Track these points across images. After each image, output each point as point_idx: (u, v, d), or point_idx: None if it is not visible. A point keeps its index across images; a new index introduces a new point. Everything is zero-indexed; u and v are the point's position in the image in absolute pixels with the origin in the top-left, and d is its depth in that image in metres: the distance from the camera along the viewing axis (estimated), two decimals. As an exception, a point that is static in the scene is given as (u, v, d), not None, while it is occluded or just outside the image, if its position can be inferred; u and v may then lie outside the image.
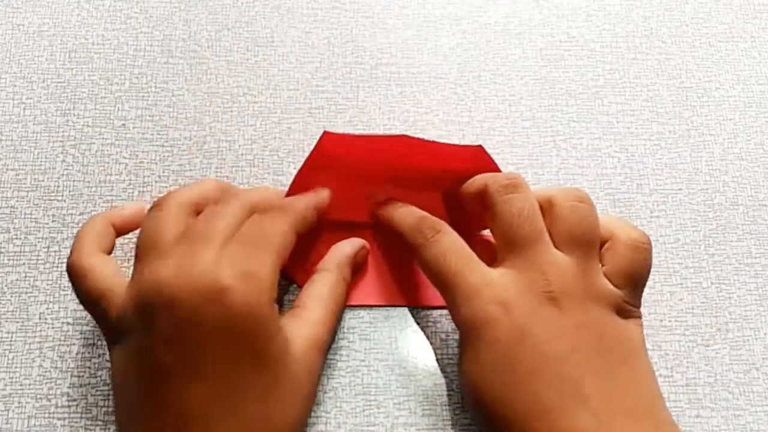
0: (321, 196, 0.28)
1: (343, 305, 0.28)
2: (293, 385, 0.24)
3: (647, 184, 0.33)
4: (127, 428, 0.23)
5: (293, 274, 0.29)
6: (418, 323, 0.29)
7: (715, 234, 0.32)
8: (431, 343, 0.29)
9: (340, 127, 0.33)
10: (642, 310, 0.30)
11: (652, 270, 0.31)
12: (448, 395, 0.28)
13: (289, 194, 0.28)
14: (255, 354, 0.23)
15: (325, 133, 0.27)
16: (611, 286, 0.25)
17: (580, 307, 0.24)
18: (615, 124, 0.34)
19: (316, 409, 0.28)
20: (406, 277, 0.30)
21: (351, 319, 0.29)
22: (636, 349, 0.24)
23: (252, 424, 0.22)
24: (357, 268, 0.29)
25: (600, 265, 0.25)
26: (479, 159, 0.28)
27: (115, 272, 0.25)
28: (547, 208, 0.26)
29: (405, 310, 0.30)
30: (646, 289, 0.31)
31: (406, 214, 0.28)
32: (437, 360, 0.29)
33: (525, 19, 0.37)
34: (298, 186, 0.28)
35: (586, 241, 0.25)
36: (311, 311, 0.26)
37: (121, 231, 0.28)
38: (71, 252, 0.26)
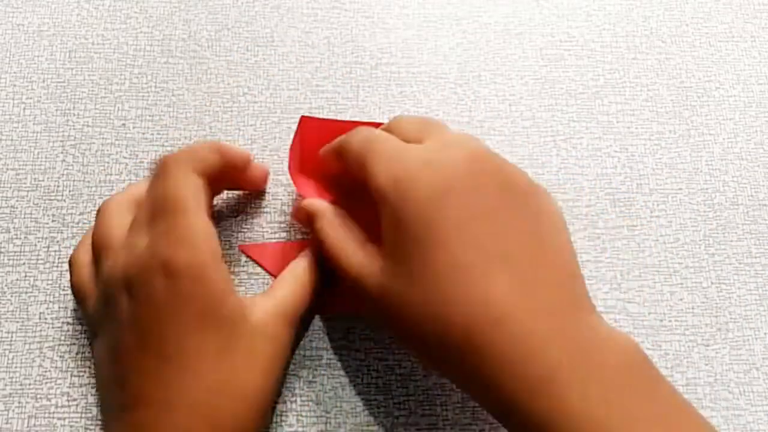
0: (227, 146, 0.27)
1: (316, 286, 0.27)
2: (250, 352, 0.24)
3: (647, 183, 0.33)
4: (104, 415, 0.25)
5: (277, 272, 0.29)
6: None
7: (715, 234, 0.32)
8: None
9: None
10: (642, 309, 0.30)
11: (652, 270, 0.31)
12: (448, 395, 0.28)
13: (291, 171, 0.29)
14: (204, 317, 0.23)
15: (302, 118, 0.28)
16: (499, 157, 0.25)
17: (501, 176, 0.23)
18: (615, 124, 0.34)
19: (316, 408, 0.28)
20: None
21: (351, 318, 0.29)
22: (558, 221, 0.24)
23: (208, 386, 0.23)
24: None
25: None
26: None
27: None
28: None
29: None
30: (645, 289, 0.31)
31: (354, 133, 0.27)
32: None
33: (525, 18, 0.37)
34: (297, 169, 0.29)
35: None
36: (277, 288, 0.26)
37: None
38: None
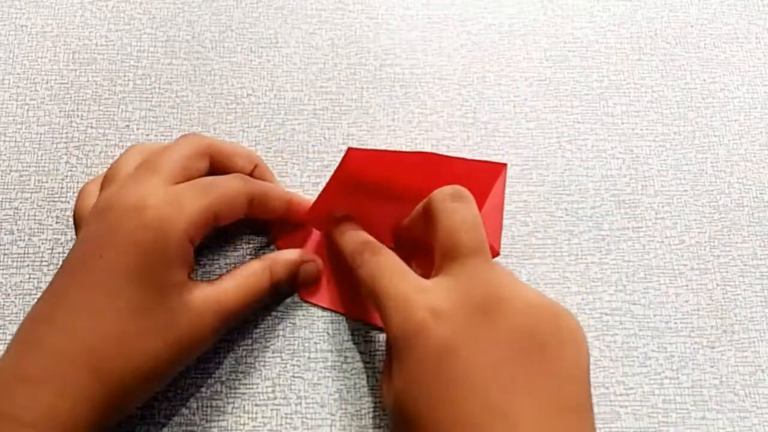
0: (292, 196, 0.29)
1: (259, 293, 0.27)
2: (168, 325, 0.24)
3: (652, 185, 0.33)
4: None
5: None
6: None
7: (720, 235, 0.32)
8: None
9: (344, 128, 0.33)
10: (647, 311, 0.30)
11: (657, 271, 0.31)
12: (454, 397, 0.28)
13: (312, 212, 0.29)
14: (145, 271, 0.24)
15: (349, 149, 0.26)
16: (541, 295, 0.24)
17: (514, 320, 0.22)
18: (620, 125, 0.34)
19: (321, 411, 0.28)
20: None
21: (355, 321, 0.29)
22: (580, 376, 0.22)
23: (109, 335, 0.23)
24: (305, 279, 0.29)
25: None
26: (490, 179, 0.28)
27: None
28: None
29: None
30: (650, 291, 0.31)
31: (352, 236, 0.28)
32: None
33: (529, 20, 0.37)
34: (322, 203, 0.28)
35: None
36: (223, 281, 0.27)
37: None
38: None
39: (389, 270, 0.25)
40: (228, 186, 0.26)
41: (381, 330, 0.29)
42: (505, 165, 0.28)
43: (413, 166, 0.27)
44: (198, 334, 0.25)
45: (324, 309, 0.29)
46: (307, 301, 0.30)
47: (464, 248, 0.24)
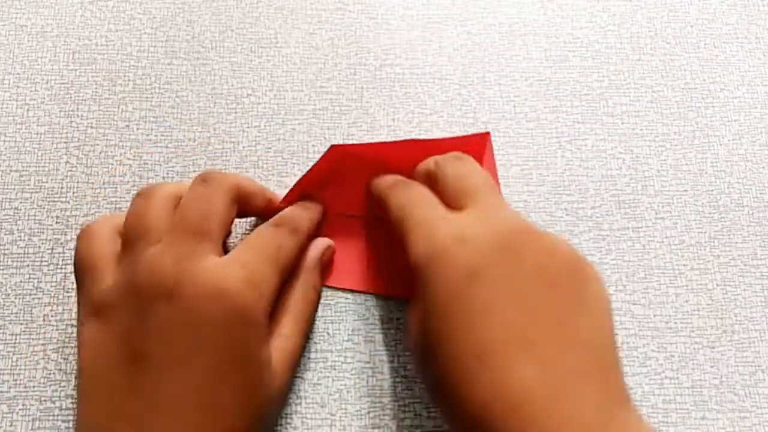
0: (318, 210, 0.29)
1: (315, 311, 0.29)
2: (265, 401, 0.24)
3: (652, 185, 0.33)
4: (92, 401, 0.23)
5: None
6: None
7: (721, 235, 0.32)
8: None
9: (344, 128, 0.33)
10: (647, 311, 0.30)
11: (657, 271, 0.31)
12: (454, 397, 0.28)
13: (286, 199, 0.29)
14: (242, 361, 0.23)
15: (332, 147, 0.27)
16: (564, 241, 0.24)
17: (539, 253, 0.22)
18: (620, 126, 0.34)
19: (321, 411, 0.28)
20: (392, 267, 0.30)
21: (355, 321, 0.29)
22: (599, 315, 0.22)
23: (220, 424, 0.22)
24: (325, 267, 0.30)
25: None
26: (479, 149, 0.29)
27: (116, 253, 0.25)
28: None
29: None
30: (650, 291, 0.31)
31: (384, 178, 0.28)
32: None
33: (529, 20, 0.37)
34: (295, 193, 0.29)
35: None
36: (283, 326, 0.26)
37: None
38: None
39: (418, 199, 0.26)
40: (288, 248, 0.26)
41: (382, 328, 0.29)
42: (488, 133, 0.29)
43: (399, 154, 0.28)
44: (285, 391, 0.26)
45: (324, 308, 0.29)
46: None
47: (482, 188, 0.25)
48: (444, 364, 0.21)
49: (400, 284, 0.30)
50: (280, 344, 0.25)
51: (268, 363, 0.24)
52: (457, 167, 0.26)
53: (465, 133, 0.33)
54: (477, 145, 0.30)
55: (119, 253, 0.25)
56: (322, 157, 0.27)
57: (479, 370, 0.20)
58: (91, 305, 0.24)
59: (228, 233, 0.28)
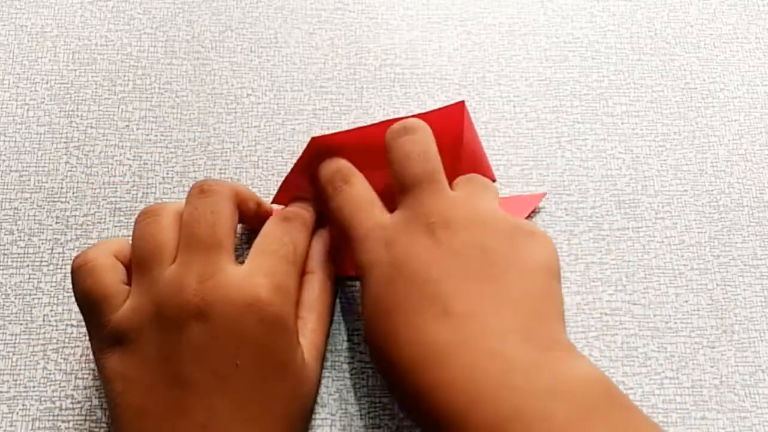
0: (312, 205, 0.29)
1: (334, 302, 0.29)
2: (306, 399, 0.25)
3: (652, 185, 0.33)
4: (135, 426, 0.23)
5: None
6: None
7: (721, 235, 0.32)
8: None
9: (344, 128, 0.33)
10: (647, 311, 0.30)
11: (657, 271, 0.31)
12: (454, 397, 0.28)
13: (277, 198, 0.29)
14: (281, 367, 0.23)
15: (312, 139, 0.27)
16: (507, 215, 0.25)
17: (462, 232, 0.23)
18: (620, 126, 0.34)
19: (321, 411, 0.28)
20: None
21: (356, 321, 0.29)
22: (528, 267, 0.23)
23: (269, 430, 0.23)
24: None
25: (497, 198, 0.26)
26: (457, 120, 0.29)
27: (122, 280, 0.25)
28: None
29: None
30: (650, 291, 0.31)
31: (325, 165, 0.28)
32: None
33: (529, 20, 0.36)
34: (286, 190, 0.29)
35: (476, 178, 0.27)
36: (308, 321, 0.26)
37: None
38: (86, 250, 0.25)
39: (355, 203, 0.26)
40: (302, 243, 0.26)
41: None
42: (462, 102, 0.29)
43: (379, 135, 0.27)
44: (317, 386, 0.26)
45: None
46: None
47: (412, 180, 0.25)
48: (385, 359, 0.23)
49: None
50: (310, 340, 0.26)
51: (303, 362, 0.24)
52: (403, 145, 0.26)
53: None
54: (454, 117, 0.29)
55: (134, 278, 0.24)
56: (304, 150, 0.28)
57: (399, 342, 0.22)
58: (109, 336, 0.23)
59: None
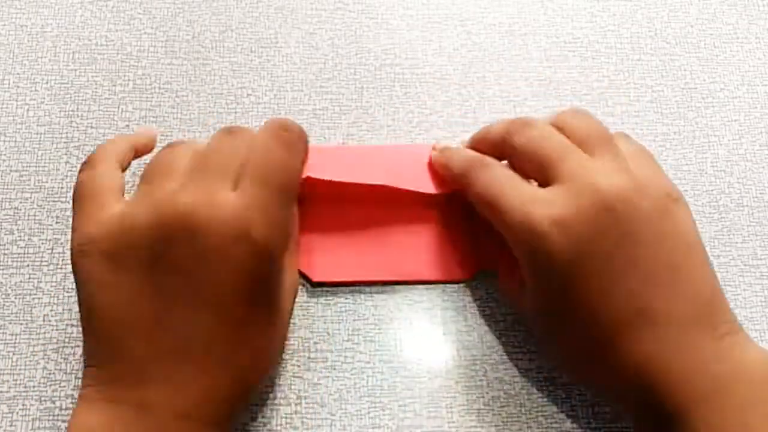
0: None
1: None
2: (283, 329, 0.26)
3: (652, 185, 0.33)
4: (111, 338, 0.22)
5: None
6: (423, 325, 0.29)
7: (720, 235, 0.32)
8: (436, 345, 0.29)
9: (344, 128, 0.33)
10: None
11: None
12: (453, 397, 0.28)
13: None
14: (265, 295, 0.24)
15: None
16: (651, 174, 0.25)
17: (635, 209, 0.23)
18: (620, 125, 0.34)
19: (321, 411, 0.28)
20: (404, 252, 0.30)
21: (356, 321, 0.29)
22: (692, 240, 0.24)
23: (248, 356, 0.23)
24: None
25: (627, 158, 0.25)
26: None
27: (120, 186, 0.25)
28: (561, 127, 0.26)
29: (409, 312, 0.30)
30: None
31: (457, 155, 0.29)
32: (442, 362, 0.29)
33: (530, 20, 0.37)
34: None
35: (607, 139, 0.25)
36: (292, 252, 0.27)
37: (139, 154, 0.29)
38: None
39: (503, 177, 0.26)
40: (299, 172, 0.25)
41: (382, 328, 0.29)
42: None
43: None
44: (289, 318, 0.26)
45: (324, 308, 0.29)
46: (321, 283, 0.30)
47: (551, 156, 0.25)
48: (568, 349, 0.25)
49: (396, 267, 0.30)
50: (290, 270, 0.27)
51: (283, 298, 0.25)
52: (526, 135, 0.26)
53: (465, 132, 0.33)
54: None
55: (137, 189, 0.24)
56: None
57: (604, 355, 0.23)
58: (93, 232, 0.23)
59: None
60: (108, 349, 0.23)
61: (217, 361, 0.23)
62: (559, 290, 0.24)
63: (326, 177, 0.28)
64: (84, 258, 0.23)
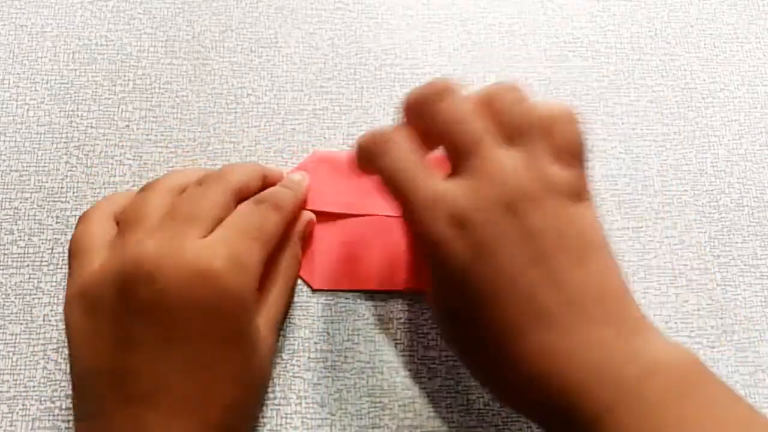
0: (302, 186, 0.30)
1: (296, 279, 0.29)
2: (261, 369, 0.25)
3: (652, 185, 0.33)
4: (86, 386, 0.23)
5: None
6: (423, 325, 0.29)
7: (721, 235, 0.32)
8: (436, 345, 0.29)
9: (344, 128, 0.33)
10: (647, 311, 0.30)
11: (657, 271, 0.31)
12: (453, 397, 0.28)
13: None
14: (234, 336, 0.23)
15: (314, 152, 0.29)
16: (565, 171, 0.23)
17: (537, 208, 0.22)
18: (620, 125, 0.34)
19: (321, 411, 0.28)
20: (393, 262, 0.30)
21: (356, 321, 0.29)
22: (597, 239, 0.23)
23: (221, 402, 0.23)
24: (303, 239, 0.30)
25: (549, 151, 0.23)
26: None
27: (111, 240, 0.25)
28: (487, 104, 0.24)
29: (409, 312, 0.30)
30: (651, 291, 0.31)
31: (363, 137, 0.25)
32: (442, 362, 0.29)
33: (529, 20, 0.36)
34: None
35: (528, 127, 0.23)
36: (269, 294, 0.27)
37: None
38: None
39: (404, 175, 0.23)
40: (271, 223, 0.26)
41: (382, 328, 0.29)
42: None
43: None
44: (272, 356, 0.27)
45: (324, 308, 0.29)
46: (320, 290, 0.30)
47: (463, 146, 0.23)
48: (472, 349, 0.23)
49: (389, 278, 0.30)
50: (266, 312, 0.26)
51: (258, 333, 0.25)
52: (441, 112, 0.23)
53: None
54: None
55: (114, 239, 0.25)
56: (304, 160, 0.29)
57: (508, 351, 0.22)
58: (77, 288, 0.24)
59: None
60: (84, 400, 0.23)
61: (184, 410, 0.22)
62: (457, 292, 0.23)
63: (326, 209, 0.30)
64: (68, 311, 0.24)
